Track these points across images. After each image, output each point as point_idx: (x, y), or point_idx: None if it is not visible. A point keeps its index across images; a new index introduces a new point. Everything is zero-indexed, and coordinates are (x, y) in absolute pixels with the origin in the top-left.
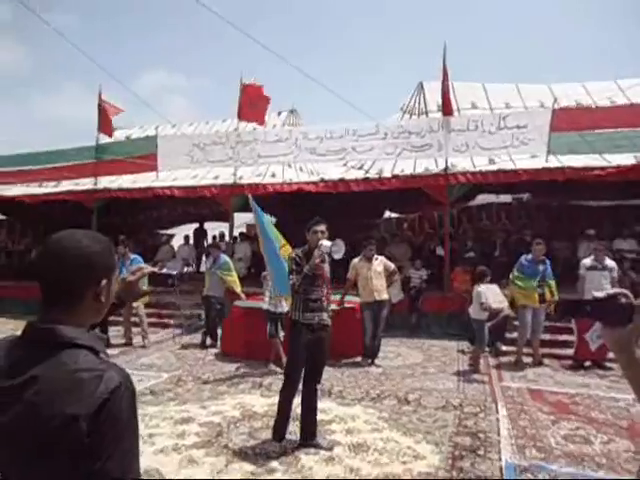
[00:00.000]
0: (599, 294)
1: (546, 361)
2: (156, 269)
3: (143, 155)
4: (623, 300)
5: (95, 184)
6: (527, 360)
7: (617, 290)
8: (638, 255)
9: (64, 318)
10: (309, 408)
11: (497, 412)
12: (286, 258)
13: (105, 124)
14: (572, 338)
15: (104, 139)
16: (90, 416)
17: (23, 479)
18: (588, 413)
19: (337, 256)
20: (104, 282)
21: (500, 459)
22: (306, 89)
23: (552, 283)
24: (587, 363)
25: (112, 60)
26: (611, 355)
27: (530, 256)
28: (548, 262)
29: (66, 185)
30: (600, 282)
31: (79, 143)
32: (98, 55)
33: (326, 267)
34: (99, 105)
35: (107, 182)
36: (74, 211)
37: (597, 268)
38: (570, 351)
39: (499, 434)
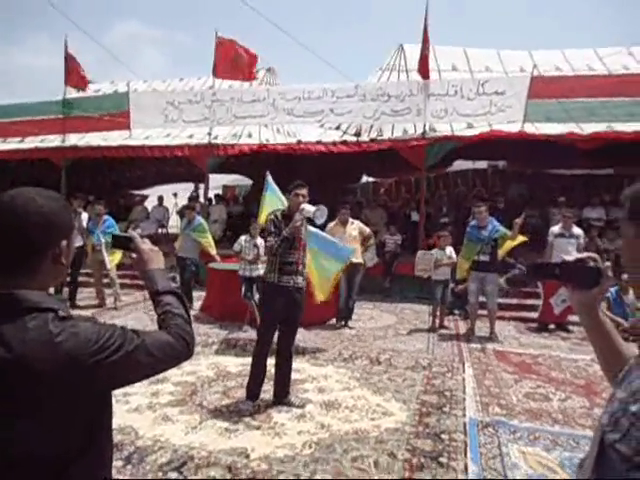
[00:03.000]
0: (569, 258)
1: (512, 324)
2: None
3: (114, 112)
4: (592, 264)
5: (63, 141)
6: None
7: (586, 254)
8: (605, 223)
9: (24, 282)
10: (284, 369)
11: (464, 372)
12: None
13: (76, 76)
14: (538, 302)
15: (71, 93)
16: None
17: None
18: (549, 373)
19: (319, 221)
20: (64, 243)
21: (464, 415)
22: (283, 47)
23: (504, 231)
24: (551, 326)
25: (81, 10)
26: (573, 318)
27: (474, 222)
28: (494, 222)
29: (31, 142)
30: (567, 249)
31: (43, 97)
32: (66, 4)
33: (303, 231)
34: (65, 57)
35: (76, 139)
36: (41, 169)
37: (565, 236)
38: (536, 314)
39: (464, 392)
